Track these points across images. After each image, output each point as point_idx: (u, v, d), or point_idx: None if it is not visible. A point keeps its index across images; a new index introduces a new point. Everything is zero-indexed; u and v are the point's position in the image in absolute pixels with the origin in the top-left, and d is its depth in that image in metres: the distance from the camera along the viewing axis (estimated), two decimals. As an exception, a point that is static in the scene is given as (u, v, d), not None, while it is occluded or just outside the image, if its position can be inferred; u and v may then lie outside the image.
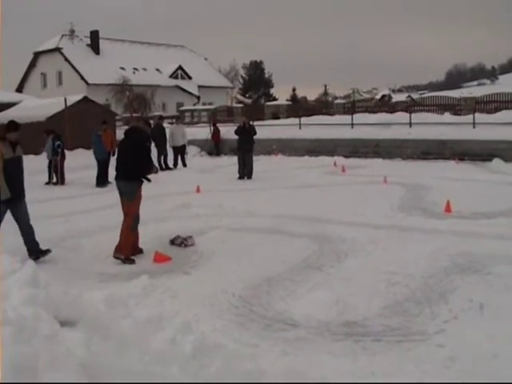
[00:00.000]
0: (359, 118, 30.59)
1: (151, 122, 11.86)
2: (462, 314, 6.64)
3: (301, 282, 7.90)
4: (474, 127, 26.61)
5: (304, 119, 31.94)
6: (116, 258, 9.38)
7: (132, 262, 9.32)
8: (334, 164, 24.04)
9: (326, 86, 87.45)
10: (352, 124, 29.60)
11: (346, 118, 30.74)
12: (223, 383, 4.33)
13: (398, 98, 57.79)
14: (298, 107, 43.48)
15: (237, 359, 4.90)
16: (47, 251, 9.49)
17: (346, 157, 26.88)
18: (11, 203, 9.11)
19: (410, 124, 28.03)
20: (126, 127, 10.66)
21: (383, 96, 65.87)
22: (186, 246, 10.20)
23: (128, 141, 9.82)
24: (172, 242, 10.34)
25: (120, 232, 9.54)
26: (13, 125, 9.36)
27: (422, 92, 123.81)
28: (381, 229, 11.03)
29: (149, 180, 9.83)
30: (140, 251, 9.80)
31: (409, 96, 70.41)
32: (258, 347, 5.78)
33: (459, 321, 6.45)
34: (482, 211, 12.53)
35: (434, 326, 6.31)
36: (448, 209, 12.60)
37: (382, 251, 9.42)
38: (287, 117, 36.67)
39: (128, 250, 9.43)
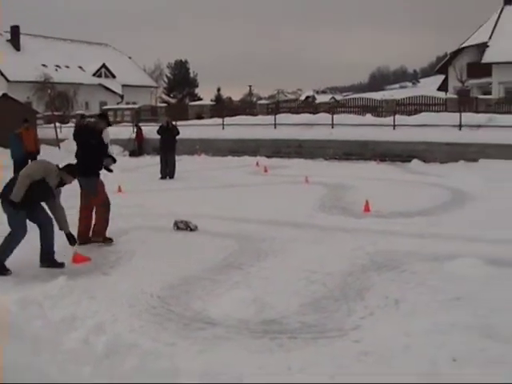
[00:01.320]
0: (282, 118, 30.82)
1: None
2: (377, 310, 6.76)
3: (220, 281, 7.90)
4: (394, 129, 27.24)
5: (227, 119, 32.00)
6: (94, 241, 10.15)
7: (111, 240, 10.24)
8: (257, 164, 24.18)
9: (250, 86, 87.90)
10: (275, 124, 29.81)
11: (269, 119, 30.94)
12: None
13: (322, 99, 58.67)
14: (222, 107, 43.49)
15: (152, 358, 4.88)
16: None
17: (268, 157, 27.12)
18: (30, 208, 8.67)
19: (333, 125, 28.41)
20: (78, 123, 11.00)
21: (307, 97, 66.66)
22: (191, 229, 11.03)
23: (82, 138, 10.36)
24: (177, 226, 11.05)
25: (95, 219, 10.34)
26: None
27: (345, 94, 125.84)
28: (301, 228, 11.17)
29: (111, 170, 10.74)
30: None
31: (332, 97, 71.53)
32: (175, 346, 5.75)
33: (375, 317, 6.55)
34: (400, 210, 12.82)
35: (350, 322, 6.40)
36: (367, 208, 12.84)
37: (302, 250, 9.52)
38: (211, 117, 36.60)
39: (104, 232, 10.27)
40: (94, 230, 10.26)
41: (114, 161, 10.63)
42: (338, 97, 77.39)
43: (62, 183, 8.83)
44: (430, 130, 25.93)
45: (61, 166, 8.90)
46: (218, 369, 5.03)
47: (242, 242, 10.06)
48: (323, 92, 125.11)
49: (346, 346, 5.71)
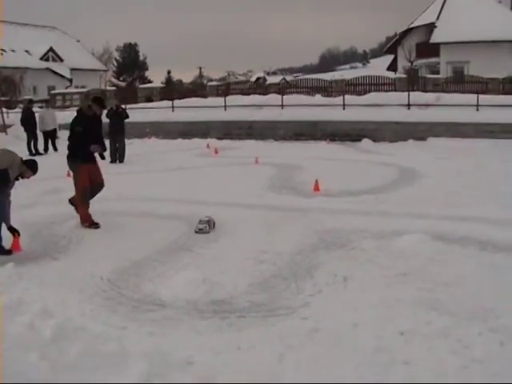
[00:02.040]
0: (232, 99, 30.72)
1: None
2: (326, 287, 6.83)
3: (170, 263, 7.87)
4: (344, 108, 27.39)
5: (177, 102, 31.74)
6: (85, 227, 10.14)
7: (97, 225, 10.16)
8: (207, 146, 24.09)
9: (200, 68, 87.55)
10: (225, 106, 29.69)
11: (220, 101, 30.78)
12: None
13: (272, 80, 58.46)
14: (172, 90, 43.20)
15: (100, 341, 4.86)
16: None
17: (219, 139, 27.02)
18: None
19: (282, 106, 28.43)
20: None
21: (258, 78, 66.41)
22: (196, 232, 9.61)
23: (72, 125, 10.48)
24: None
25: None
26: None
27: (296, 74, 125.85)
28: (251, 208, 11.19)
29: (103, 157, 11.02)
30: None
31: (283, 78, 71.44)
32: (125, 329, 5.72)
33: (323, 294, 6.62)
34: (349, 189, 12.93)
35: (299, 300, 6.44)
36: (316, 188, 12.91)
37: (252, 230, 9.54)
38: (161, 99, 36.32)
39: (87, 217, 10.25)
40: (80, 217, 10.37)
41: (103, 148, 10.58)
42: (289, 78, 77.28)
43: (20, 176, 8.77)
44: (380, 110, 26.18)
45: (24, 159, 8.85)
46: (167, 350, 5.02)
47: (191, 224, 9.98)
48: (274, 73, 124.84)
49: (294, 324, 5.76)
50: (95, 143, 10.31)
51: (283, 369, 4.82)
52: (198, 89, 45.40)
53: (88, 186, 10.29)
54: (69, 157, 10.36)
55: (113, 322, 5.89)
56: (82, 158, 10.21)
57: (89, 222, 10.18)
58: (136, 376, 4.24)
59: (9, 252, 8.54)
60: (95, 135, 10.38)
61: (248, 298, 6.52)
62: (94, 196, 10.54)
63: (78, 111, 10.63)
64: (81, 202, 10.31)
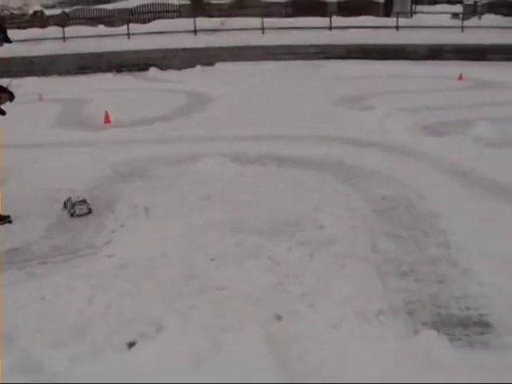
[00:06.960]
0: (11, 34, 28.70)
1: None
2: (128, 221, 6.56)
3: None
4: (128, 38, 26.71)
5: None
6: None
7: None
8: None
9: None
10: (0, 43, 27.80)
11: (-7, 36, 28.78)
12: None
13: (52, 13, 55.73)
14: None
15: None
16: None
17: (-6, 79, 25.37)
18: None
19: (64, 38, 27.14)
20: None
21: (35, 12, 63.16)
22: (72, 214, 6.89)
23: None
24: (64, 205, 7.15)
25: None
26: None
27: (75, 7, 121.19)
28: (39, 147, 10.45)
29: (3, 113, 6.95)
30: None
31: (62, 11, 68.38)
32: None
33: (126, 228, 6.36)
34: (140, 119, 12.68)
35: (101, 237, 6.12)
36: (107, 120, 12.46)
37: (43, 171, 8.77)
38: None
39: None
40: None
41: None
42: (69, 10, 74.15)
43: None
44: (166, 37, 25.93)
45: None
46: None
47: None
48: (53, 7, 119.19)
49: (100, 264, 5.46)
50: None
51: (93, 311, 4.52)
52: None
53: None
54: None
55: None
56: None
57: None
58: None
59: None
60: None
61: (47, 242, 6.08)
62: None
63: None
64: None
